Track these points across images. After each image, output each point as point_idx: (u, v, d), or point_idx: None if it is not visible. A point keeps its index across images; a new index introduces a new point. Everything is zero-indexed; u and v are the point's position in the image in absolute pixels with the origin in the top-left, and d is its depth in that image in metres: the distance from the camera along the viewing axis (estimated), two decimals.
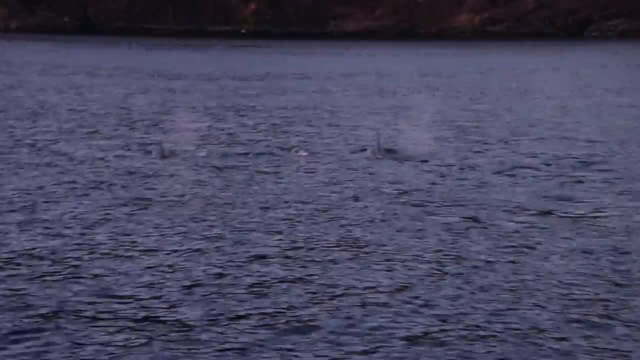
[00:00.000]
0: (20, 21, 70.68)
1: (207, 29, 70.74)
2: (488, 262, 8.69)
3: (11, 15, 71.00)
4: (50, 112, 20.95)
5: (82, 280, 7.86)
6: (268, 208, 10.86)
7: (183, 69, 37.34)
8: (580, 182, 13.03)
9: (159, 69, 37.13)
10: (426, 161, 14.57)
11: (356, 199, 11.41)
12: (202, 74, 35.05)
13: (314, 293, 7.63)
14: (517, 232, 9.96)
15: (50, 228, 9.69)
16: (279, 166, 13.94)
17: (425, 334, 6.83)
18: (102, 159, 14.34)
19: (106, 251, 8.83)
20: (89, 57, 45.53)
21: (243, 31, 62.28)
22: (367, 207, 10.93)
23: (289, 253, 8.86)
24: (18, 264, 8.36)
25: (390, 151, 15.12)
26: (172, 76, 33.50)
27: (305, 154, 14.88)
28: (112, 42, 59.15)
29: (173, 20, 71.61)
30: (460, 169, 13.88)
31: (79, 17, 70.96)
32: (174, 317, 7.02)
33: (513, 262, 8.75)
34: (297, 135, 17.54)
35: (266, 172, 13.39)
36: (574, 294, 7.86)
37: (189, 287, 7.76)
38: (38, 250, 8.81)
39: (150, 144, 15.81)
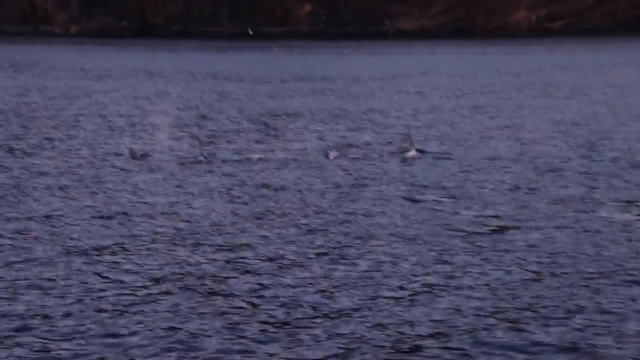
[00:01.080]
0: (80, 26, 71.84)
1: (262, 30, 71.09)
2: None
3: (71, 20, 72.21)
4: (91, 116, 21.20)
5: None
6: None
7: (237, 71, 37.52)
8: None
9: (212, 71, 37.37)
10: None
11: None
12: (255, 75, 35.17)
13: None
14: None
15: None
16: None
17: None
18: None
19: None
20: (146, 60, 46.01)
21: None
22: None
23: None
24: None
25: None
26: (226, 78, 33.67)
27: (336, 154, 14.79)
28: (168, 45, 59.73)
29: (228, 23, 72.12)
30: None
31: (137, 21, 71.86)
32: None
33: None
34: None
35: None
36: None
37: None
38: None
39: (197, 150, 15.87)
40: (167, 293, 7.55)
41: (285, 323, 6.86)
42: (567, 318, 7.00)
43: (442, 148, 15.85)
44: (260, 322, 6.87)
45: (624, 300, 7.41)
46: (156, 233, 9.64)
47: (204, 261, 8.56)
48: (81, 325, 6.82)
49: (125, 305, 7.26)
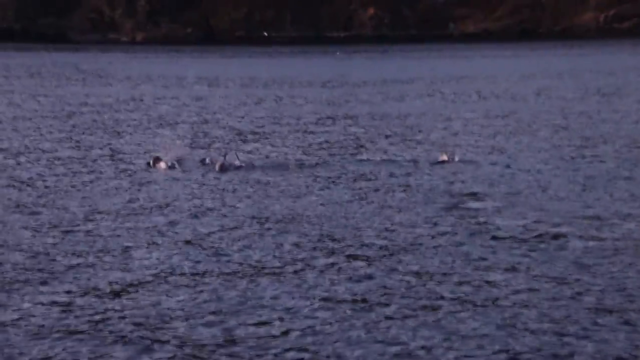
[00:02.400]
0: (146, 33, 72.86)
1: (325, 34, 71.18)
2: None
3: (137, 27, 73.29)
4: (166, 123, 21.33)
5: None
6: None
7: (302, 76, 37.55)
8: None
9: (276, 77, 37.47)
10: None
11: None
12: (319, 80, 35.15)
13: None
14: None
15: None
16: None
17: None
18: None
19: None
20: (210, 67, 46.38)
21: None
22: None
23: None
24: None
25: None
26: (291, 84, 33.72)
27: None
28: (232, 51, 60.16)
29: (292, 28, 72.38)
30: None
31: (201, 28, 72.60)
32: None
33: None
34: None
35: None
36: None
37: None
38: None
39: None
40: None
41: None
42: None
43: (483, 156, 15.43)
44: None
45: None
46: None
47: None
48: None
49: None
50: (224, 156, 14.35)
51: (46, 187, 12.85)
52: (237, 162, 14.24)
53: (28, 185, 12.97)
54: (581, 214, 10.75)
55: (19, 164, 15.07)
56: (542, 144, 16.88)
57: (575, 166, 14.35)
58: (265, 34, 58.62)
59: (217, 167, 13.94)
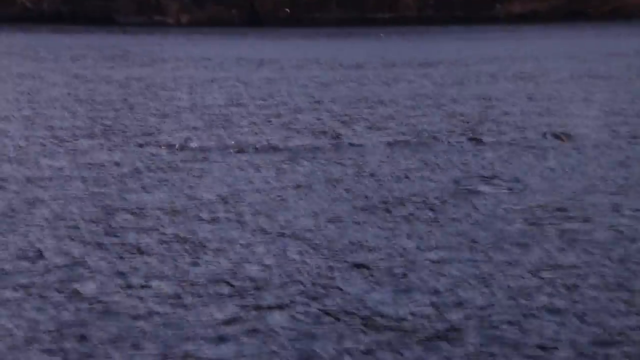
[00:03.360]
0: (191, 15, 73.05)
1: (370, 16, 70.70)
2: None
3: (182, 9, 73.51)
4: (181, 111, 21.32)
5: None
6: None
7: (341, 57, 37.34)
8: None
9: (321, 57, 37.28)
10: None
11: None
12: (358, 62, 34.92)
13: None
14: None
15: None
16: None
17: None
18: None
19: None
20: (252, 49, 46.33)
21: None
22: None
23: None
24: None
25: None
26: (329, 65, 33.53)
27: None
28: (277, 32, 60.08)
29: (337, 10, 71.98)
30: None
31: (245, 10, 72.60)
32: None
33: None
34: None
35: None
36: None
37: None
38: None
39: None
40: None
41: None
42: None
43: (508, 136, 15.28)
44: None
45: None
46: None
47: None
48: None
49: None
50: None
51: None
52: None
53: None
54: None
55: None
56: None
57: None
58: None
59: None
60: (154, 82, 27.41)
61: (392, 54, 40.35)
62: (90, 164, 12.88)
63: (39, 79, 28.42)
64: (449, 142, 14.46)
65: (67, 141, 14.76)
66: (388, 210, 9.81)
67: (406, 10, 74.18)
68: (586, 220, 9.34)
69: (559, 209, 9.80)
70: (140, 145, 14.68)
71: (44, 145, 14.17)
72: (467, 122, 16.57)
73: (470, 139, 14.35)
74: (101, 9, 74.34)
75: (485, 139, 15.05)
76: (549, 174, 11.75)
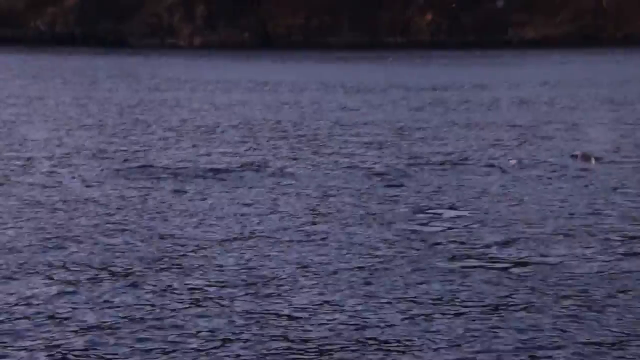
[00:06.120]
0: (203, 38, 73.25)
1: (383, 40, 70.72)
2: None
3: (195, 32, 73.72)
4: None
5: None
6: None
7: (351, 81, 37.26)
8: None
9: (328, 81, 37.22)
10: None
11: None
12: (361, 86, 34.80)
13: None
14: None
15: None
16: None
17: None
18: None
19: None
20: (264, 72, 46.33)
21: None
22: None
23: None
24: None
25: None
26: (348, 89, 33.43)
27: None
28: (289, 56, 60.13)
29: (349, 33, 72.08)
30: None
31: (258, 33, 72.74)
32: None
33: None
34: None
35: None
36: None
37: None
38: None
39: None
40: None
41: None
42: None
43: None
44: None
45: None
46: None
47: None
48: None
49: None
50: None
51: None
52: None
53: None
54: None
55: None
56: None
57: None
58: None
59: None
60: (167, 103, 27.39)
61: (395, 78, 40.23)
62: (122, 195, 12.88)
63: (50, 99, 28.46)
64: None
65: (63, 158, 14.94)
66: None
67: (419, 35, 74.27)
68: None
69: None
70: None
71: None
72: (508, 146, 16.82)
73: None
74: (114, 32, 74.71)
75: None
76: None
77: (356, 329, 6.83)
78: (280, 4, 72.47)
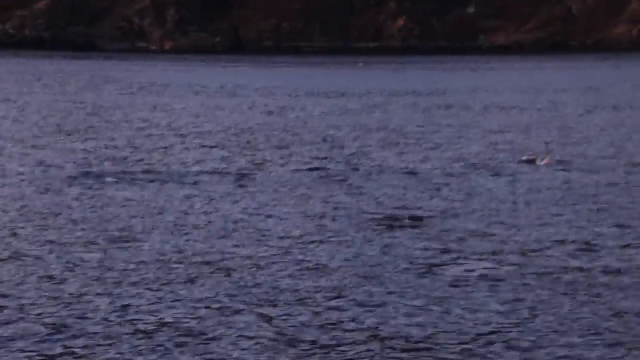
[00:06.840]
0: (174, 42, 72.80)
1: (354, 45, 70.68)
2: None
3: (166, 36, 73.27)
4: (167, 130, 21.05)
5: None
6: None
7: (327, 86, 37.20)
8: None
9: (300, 87, 37.11)
10: None
11: None
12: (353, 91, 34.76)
13: None
14: None
15: None
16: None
17: None
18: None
19: None
20: (233, 77, 46.14)
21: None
22: None
23: None
24: None
25: None
26: (314, 94, 33.35)
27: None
28: (260, 61, 59.95)
29: (320, 38, 71.97)
30: None
31: (229, 38, 72.44)
32: None
33: None
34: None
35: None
36: None
37: None
38: None
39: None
40: None
41: None
42: None
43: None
44: None
45: None
46: None
47: None
48: None
49: None
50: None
51: None
52: None
53: None
54: None
55: None
56: None
57: None
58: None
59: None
60: (134, 108, 27.12)
61: (367, 83, 40.18)
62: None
63: (20, 103, 28.10)
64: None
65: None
66: None
67: (390, 40, 74.26)
68: None
69: None
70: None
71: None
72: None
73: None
74: (84, 35, 74.03)
75: None
76: None
77: None
78: (252, 8, 72.28)
